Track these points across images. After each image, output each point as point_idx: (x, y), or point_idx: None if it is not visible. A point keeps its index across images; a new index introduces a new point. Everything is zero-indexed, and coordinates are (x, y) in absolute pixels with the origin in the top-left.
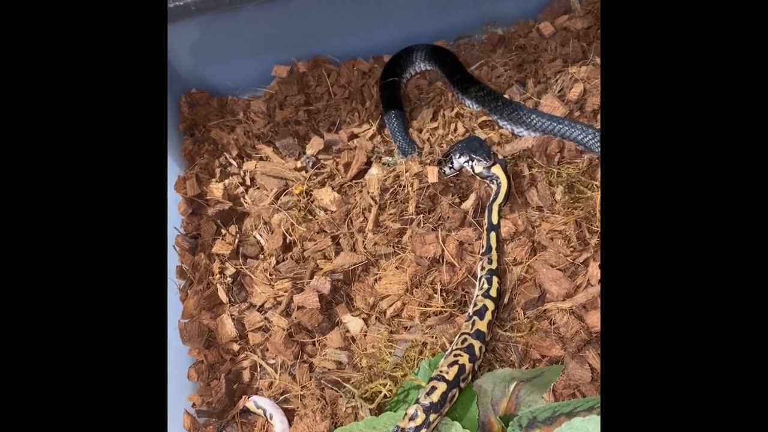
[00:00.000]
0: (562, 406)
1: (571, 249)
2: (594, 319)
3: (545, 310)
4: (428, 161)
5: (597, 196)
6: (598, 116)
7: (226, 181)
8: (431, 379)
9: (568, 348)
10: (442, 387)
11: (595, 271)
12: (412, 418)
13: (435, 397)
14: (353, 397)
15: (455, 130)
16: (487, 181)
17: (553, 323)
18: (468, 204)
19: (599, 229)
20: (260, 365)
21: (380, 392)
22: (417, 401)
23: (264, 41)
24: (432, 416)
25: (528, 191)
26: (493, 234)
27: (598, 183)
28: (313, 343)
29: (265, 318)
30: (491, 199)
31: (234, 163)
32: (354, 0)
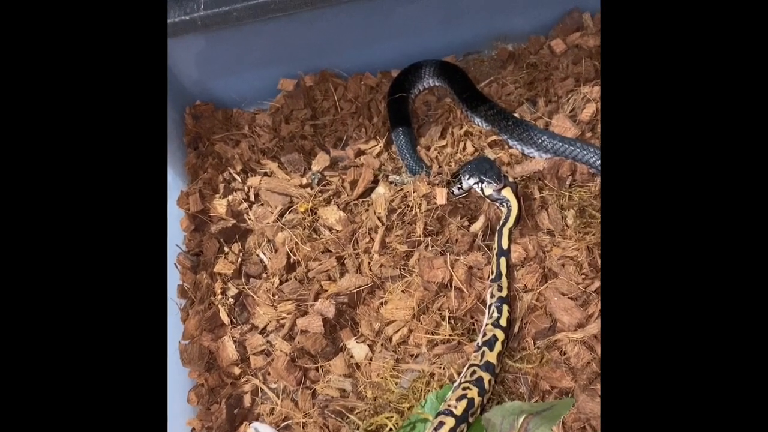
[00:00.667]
0: None
1: (583, 276)
2: None
3: (556, 340)
4: (437, 182)
5: None
6: None
7: (230, 197)
8: (439, 414)
9: (579, 380)
10: (450, 422)
11: None
12: None
13: None
14: (357, 430)
15: (464, 149)
16: (497, 204)
17: (564, 353)
18: (477, 226)
19: None
20: (261, 390)
21: (386, 426)
22: None
23: (270, 54)
24: None
25: (539, 215)
26: (503, 259)
27: None
28: (317, 369)
29: (268, 341)
30: (501, 222)
31: (238, 178)
32: (362, 13)
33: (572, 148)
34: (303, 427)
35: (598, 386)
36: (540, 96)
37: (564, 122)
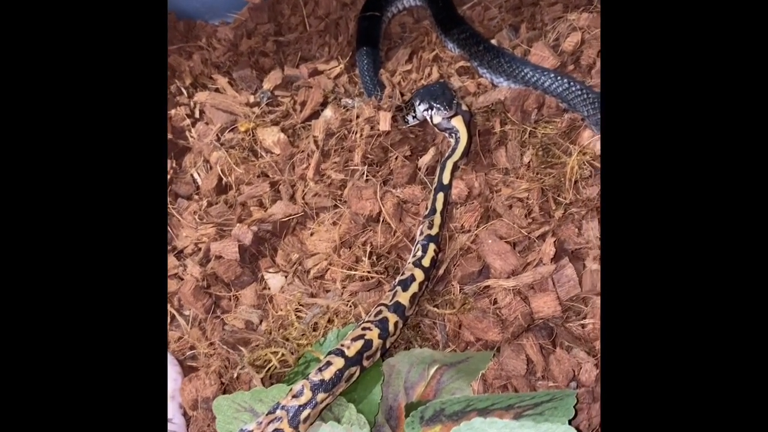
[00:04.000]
0: (477, 401)
1: (530, 221)
2: (540, 303)
3: (486, 287)
4: (385, 106)
5: (573, 162)
6: (593, 71)
7: (173, 111)
8: (329, 353)
9: (506, 333)
10: (338, 363)
11: (549, 248)
12: (296, 396)
13: (328, 374)
14: (242, 362)
15: (429, 75)
16: (446, 134)
17: (495, 303)
18: (425, 160)
19: (567, 200)
20: (173, 316)
21: (270, 361)
22: (307, 377)
23: None
24: (320, 395)
25: (496, 150)
26: (440, 195)
27: (576, 147)
28: (230, 298)
29: (183, 264)
30: (446, 155)
31: (185, 92)
32: None
33: (545, 78)
34: (207, 358)
35: (526, 342)
36: (524, 22)
37: (543, 51)
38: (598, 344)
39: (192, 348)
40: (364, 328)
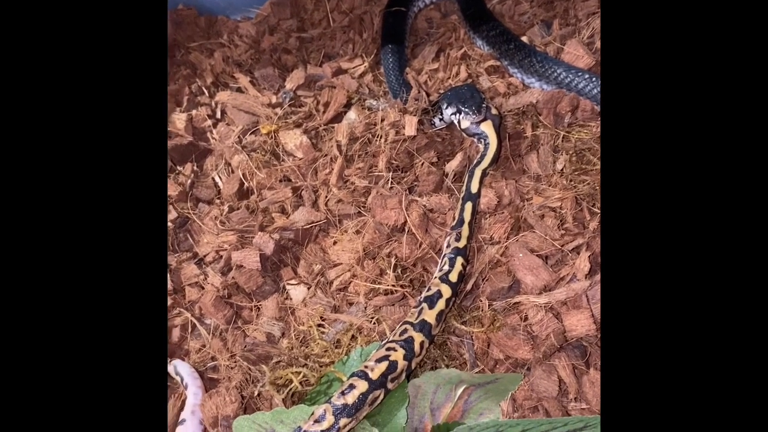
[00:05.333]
0: (507, 426)
1: (563, 232)
2: (574, 321)
3: (516, 303)
4: (411, 109)
5: None
6: None
7: (194, 112)
8: (352, 375)
9: (538, 352)
10: (361, 386)
11: (583, 262)
12: (317, 420)
13: (351, 398)
14: (263, 381)
15: (457, 74)
16: (475, 140)
17: (525, 319)
18: (452, 165)
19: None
20: (193, 325)
21: (292, 381)
22: (329, 400)
23: None
24: (343, 420)
25: (527, 156)
26: (468, 205)
27: None
28: (251, 309)
29: (203, 273)
30: (475, 162)
31: (206, 92)
32: None
33: (579, 79)
34: (227, 371)
35: (558, 363)
36: (557, 17)
37: (577, 49)
38: None
39: (213, 359)
40: (388, 349)
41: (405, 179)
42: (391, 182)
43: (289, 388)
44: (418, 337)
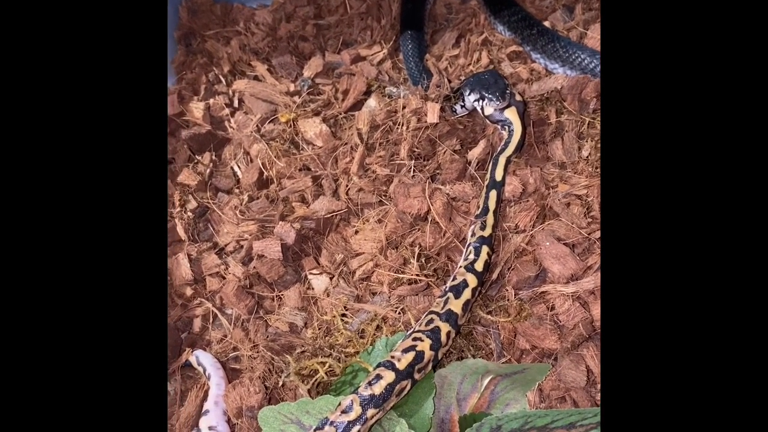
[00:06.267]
0: (536, 417)
1: (590, 220)
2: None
3: (543, 292)
4: (433, 96)
5: None
6: None
7: (211, 101)
8: (378, 365)
9: (565, 342)
10: (388, 377)
11: None
12: (345, 411)
13: (378, 388)
14: (288, 371)
15: (478, 60)
16: (499, 127)
17: (552, 309)
18: (475, 153)
19: None
20: (215, 315)
21: (317, 371)
22: (356, 391)
23: None
24: (370, 411)
25: (551, 143)
26: (493, 193)
27: None
28: (273, 299)
29: (224, 263)
30: (499, 149)
31: (224, 80)
32: None
33: None
34: (250, 361)
35: (586, 352)
36: (579, 2)
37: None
38: None
39: (235, 349)
40: (414, 339)
41: (427, 167)
42: (414, 170)
43: (314, 379)
44: (445, 327)
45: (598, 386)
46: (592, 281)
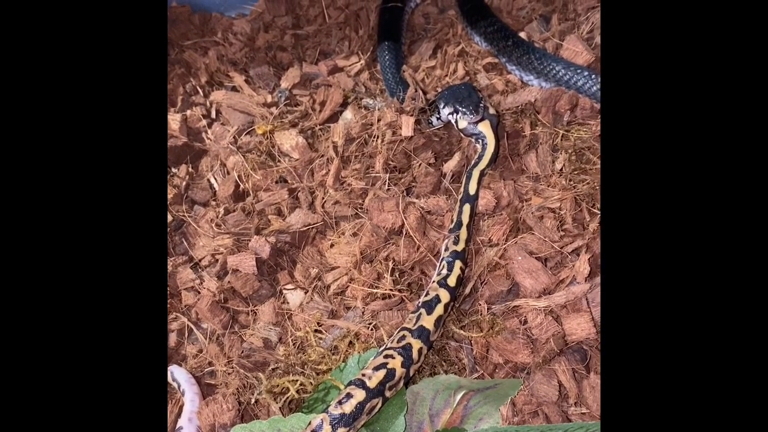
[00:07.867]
0: None
1: (563, 233)
2: (574, 324)
3: (515, 306)
4: (408, 109)
5: None
6: None
7: (188, 112)
8: (349, 383)
9: (538, 356)
10: (359, 396)
11: (583, 265)
12: (315, 431)
13: (348, 407)
14: (260, 388)
15: (455, 71)
16: (473, 140)
17: (524, 323)
18: (450, 165)
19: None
20: (190, 329)
21: (289, 390)
22: (326, 410)
23: None
24: (340, 430)
25: (525, 155)
26: (467, 207)
27: None
28: (248, 313)
29: (199, 277)
30: (473, 163)
31: (201, 91)
32: None
33: (578, 76)
34: (224, 377)
35: (558, 367)
36: (556, 12)
37: (576, 45)
38: None
39: (210, 364)
40: (386, 356)
41: (402, 180)
42: (389, 183)
43: (286, 396)
44: (417, 344)
45: (570, 400)
46: (564, 295)
